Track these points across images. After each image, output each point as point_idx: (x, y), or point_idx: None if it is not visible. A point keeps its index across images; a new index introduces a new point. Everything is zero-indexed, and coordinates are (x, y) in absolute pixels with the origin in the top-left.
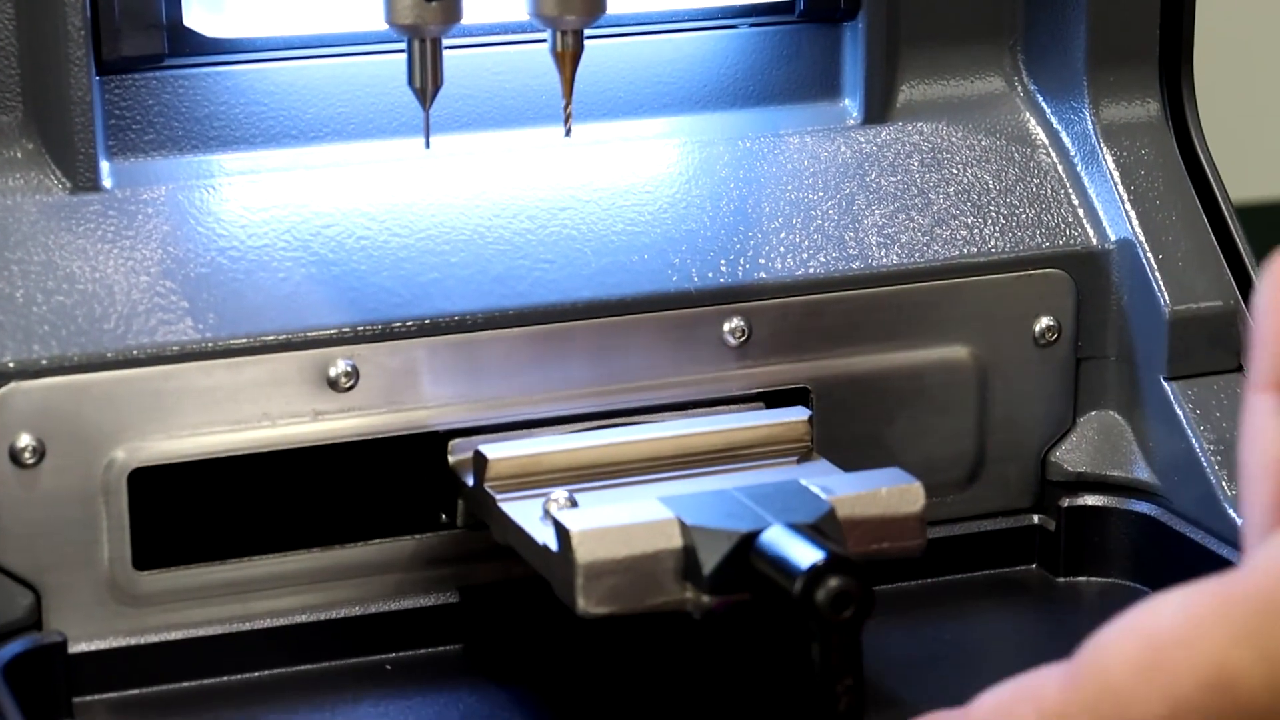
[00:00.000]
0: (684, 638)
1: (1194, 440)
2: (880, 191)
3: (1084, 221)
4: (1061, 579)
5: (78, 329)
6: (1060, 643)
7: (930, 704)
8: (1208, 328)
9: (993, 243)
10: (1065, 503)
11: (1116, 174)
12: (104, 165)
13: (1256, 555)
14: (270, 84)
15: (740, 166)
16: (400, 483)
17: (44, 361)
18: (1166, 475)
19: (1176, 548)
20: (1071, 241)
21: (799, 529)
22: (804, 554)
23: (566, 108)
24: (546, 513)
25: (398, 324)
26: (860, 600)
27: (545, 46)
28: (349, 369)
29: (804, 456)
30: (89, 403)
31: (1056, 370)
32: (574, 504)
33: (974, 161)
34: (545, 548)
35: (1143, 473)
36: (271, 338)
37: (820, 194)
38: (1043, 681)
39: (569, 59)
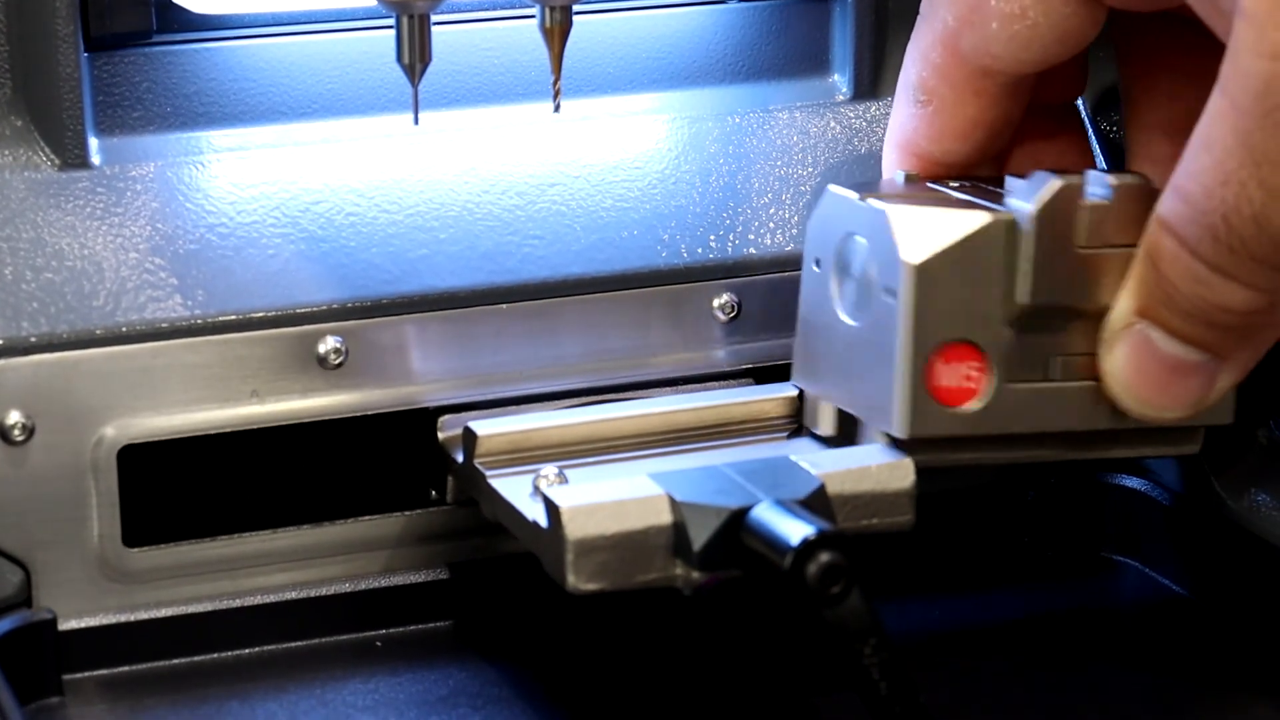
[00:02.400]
0: (674, 613)
1: None
2: (869, 167)
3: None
4: (1049, 553)
5: (67, 306)
6: (1048, 617)
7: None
8: None
9: None
10: (1053, 477)
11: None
12: (93, 142)
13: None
14: (259, 60)
15: (730, 142)
16: (390, 459)
17: (33, 339)
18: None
19: (1163, 521)
20: None
21: (789, 505)
22: (794, 529)
23: (555, 83)
24: (536, 489)
25: (387, 300)
26: (850, 575)
27: (534, 22)
28: (338, 346)
29: (794, 432)
30: (78, 380)
31: None
32: (564, 480)
33: None
34: (535, 524)
35: None
36: (261, 314)
37: (810, 169)
38: None
39: (558, 35)
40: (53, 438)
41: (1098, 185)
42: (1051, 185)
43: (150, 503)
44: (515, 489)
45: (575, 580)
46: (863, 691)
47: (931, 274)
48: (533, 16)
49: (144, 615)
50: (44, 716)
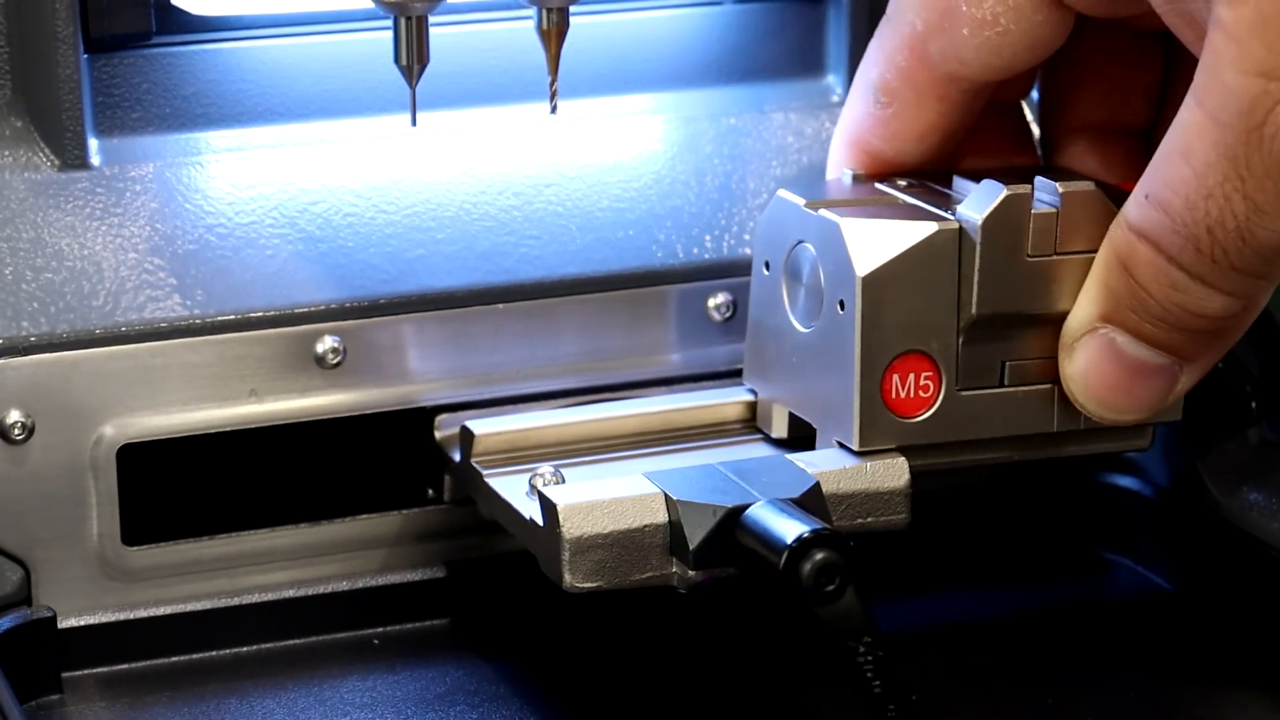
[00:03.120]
0: (669, 611)
1: None
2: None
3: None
4: (1042, 551)
5: (66, 306)
6: (1040, 614)
7: (913, 676)
8: None
9: None
10: (1047, 475)
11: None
12: (92, 143)
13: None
14: (257, 62)
15: (725, 143)
16: (387, 458)
17: (33, 338)
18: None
19: (1155, 520)
20: None
21: (784, 504)
22: (789, 528)
23: (552, 85)
24: (533, 488)
25: (384, 300)
26: (845, 573)
27: (531, 24)
28: (336, 345)
29: None
30: (78, 379)
31: None
32: (560, 479)
33: None
34: (532, 522)
35: None
36: (259, 314)
37: (805, 170)
38: None
39: (554, 36)
40: (52, 437)
41: (1046, 193)
42: (999, 195)
43: (149, 501)
44: (512, 488)
45: (572, 579)
46: (857, 689)
47: (883, 285)
48: (529, 18)
49: (143, 613)
50: (43, 714)
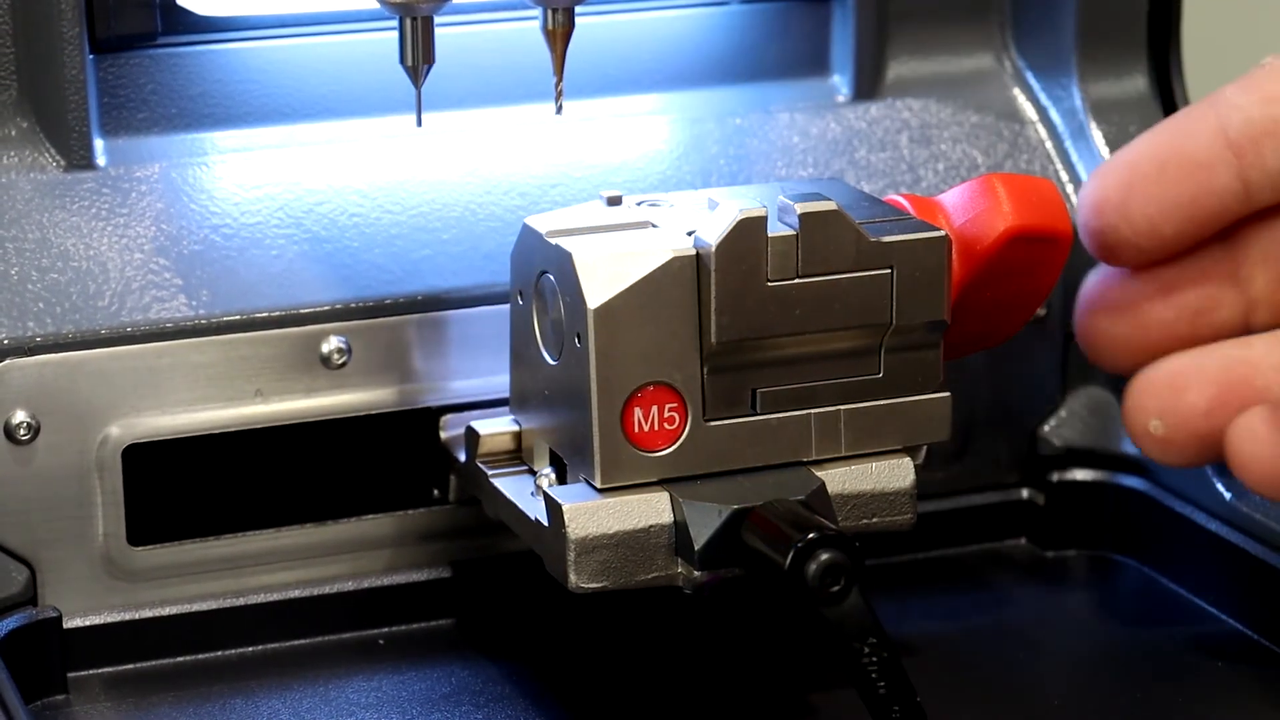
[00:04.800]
0: (674, 612)
1: None
2: (870, 168)
3: (1072, 197)
4: (1050, 553)
5: (72, 306)
6: (1049, 617)
7: (919, 678)
8: None
9: None
10: (1054, 477)
11: (1105, 150)
12: (98, 143)
13: None
14: (263, 62)
15: (730, 143)
16: (393, 458)
17: (38, 339)
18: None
19: (1164, 521)
20: None
21: (790, 504)
22: (794, 529)
23: (558, 85)
24: (538, 488)
25: (390, 301)
26: (850, 574)
27: (536, 24)
28: (341, 345)
29: None
30: (83, 379)
31: (1046, 346)
32: (565, 479)
33: (963, 138)
34: (537, 523)
35: (1131, 447)
36: (264, 314)
37: (810, 170)
38: None
39: (560, 36)
40: (58, 437)
41: (785, 215)
42: (733, 219)
43: (155, 502)
44: (517, 488)
45: (577, 579)
46: (861, 690)
47: (617, 316)
48: (535, 18)
49: (149, 613)
50: (49, 714)
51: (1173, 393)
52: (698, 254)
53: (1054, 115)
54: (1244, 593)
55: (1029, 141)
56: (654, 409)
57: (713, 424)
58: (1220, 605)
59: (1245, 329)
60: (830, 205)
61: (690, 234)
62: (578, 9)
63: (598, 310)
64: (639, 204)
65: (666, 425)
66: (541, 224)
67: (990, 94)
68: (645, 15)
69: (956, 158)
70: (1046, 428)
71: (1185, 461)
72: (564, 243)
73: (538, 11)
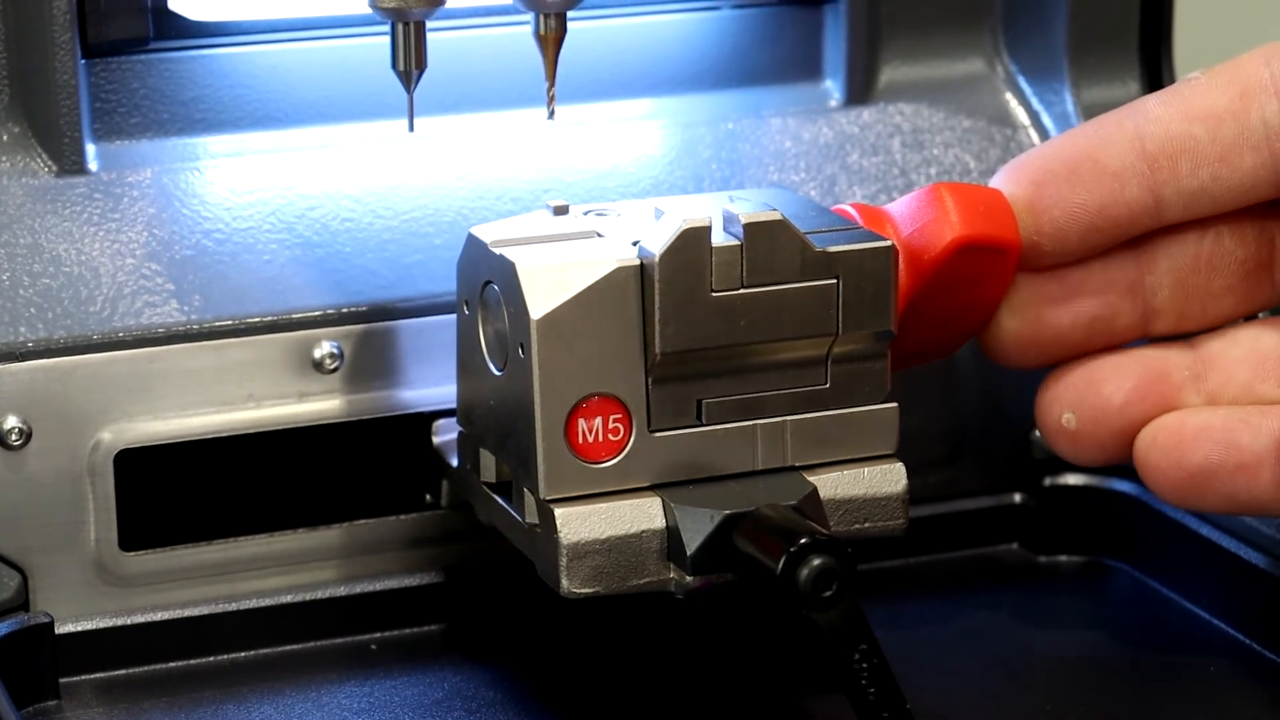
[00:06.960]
0: (667, 617)
1: None
2: (862, 173)
3: None
4: (1042, 558)
5: (64, 311)
6: (1041, 621)
7: (911, 683)
8: None
9: None
10: (1046, 482)
11: None
12: (89, 148)
13: None
14: (255, 67)
15: (723, 148)
16: (385, 464)
17: (30, 344)
18: None
19: (1156, 526)
20: None
21: (781, 509)
22: (786, 534)
23: (550, 90)
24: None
25: (382, 306)
26: (842, 579)
27: (529, 29)
28: (334, 350)
29: None
30: (75, 385)
31: None
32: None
33: (955, 143)
34: (529, 528)
35: None
36: (256, 319)
37: (802, 175)
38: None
39: (552, 42)
40: (50, 442)
41: (730, 225)
42: (676, 229)
43: (147, 507)
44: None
45: (569, 584)
46: (851, 696)
47: (559, 327)
48: (527, 24)
49: (140, 619)
50: (41, 719)
51: (1089, 385)
52: (642, 264)
53: (1046, 120)
54: (1236, 598)
55: (1021, 146)
56: (598, 420)
57: (658, 435)
58: (1213, 610)
59: (1142, 339)
60: (775, 215)
61: (635, 244)
62: (570, 14)
63: (540, 321)
64: (586, 213)
65: (611, 436)
66: (486, 233)
67: (982, 99)
68: (637, 20)
69: (949, 162)
70: (1038, 432)
71: (1095, 458)
72: (508, 252)
73: (530, 17)
